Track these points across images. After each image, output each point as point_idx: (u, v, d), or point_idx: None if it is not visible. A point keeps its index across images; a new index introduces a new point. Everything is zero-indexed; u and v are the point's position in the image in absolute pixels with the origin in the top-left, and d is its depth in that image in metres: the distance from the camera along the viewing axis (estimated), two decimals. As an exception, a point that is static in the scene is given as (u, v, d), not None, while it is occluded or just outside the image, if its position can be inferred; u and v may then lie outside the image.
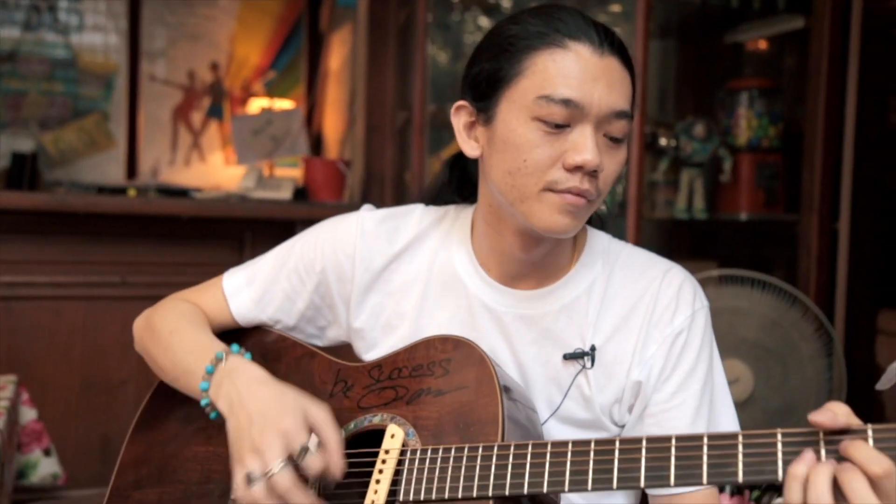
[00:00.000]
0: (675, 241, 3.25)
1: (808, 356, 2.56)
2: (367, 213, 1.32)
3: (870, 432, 0.84)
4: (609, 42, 1.11)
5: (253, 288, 1.33)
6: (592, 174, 1.09)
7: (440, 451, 1.05)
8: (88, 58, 3.99)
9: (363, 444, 1.13)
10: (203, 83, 4.13)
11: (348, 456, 1.12)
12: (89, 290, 2.78)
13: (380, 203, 1.33)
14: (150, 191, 2.95)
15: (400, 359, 1.18)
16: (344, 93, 3.79)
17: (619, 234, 2.83)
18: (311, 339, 1.35)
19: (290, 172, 3.83)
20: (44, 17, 3.94)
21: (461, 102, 1.20)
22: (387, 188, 3.14)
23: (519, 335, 1.21)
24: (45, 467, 2.39)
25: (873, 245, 3.00)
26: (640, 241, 2.76)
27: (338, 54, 3.94)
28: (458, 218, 1.30)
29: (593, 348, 1.19)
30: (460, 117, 1.20)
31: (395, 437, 1.09)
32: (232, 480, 1.07)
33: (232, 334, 1.34)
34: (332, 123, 3.93)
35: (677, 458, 0.90)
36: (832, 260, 2.95)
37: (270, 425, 1.06)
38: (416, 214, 1.32)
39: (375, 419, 1.14)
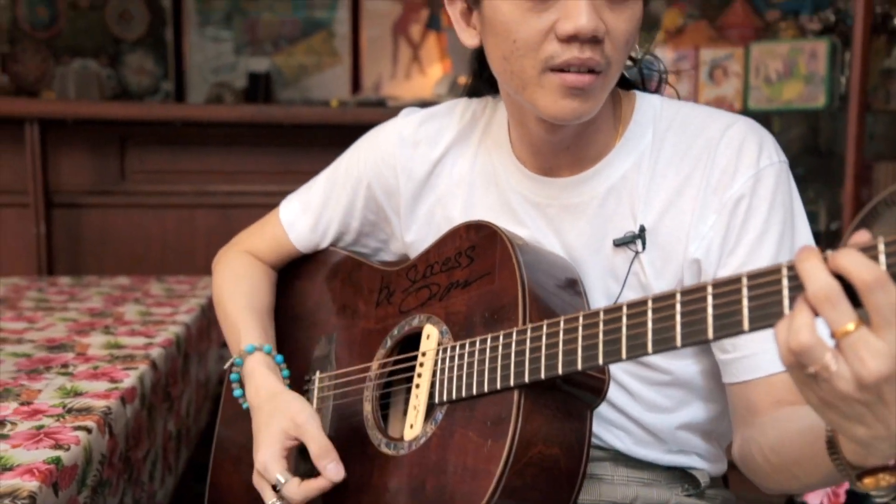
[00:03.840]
0: (913, 137, 2.87)
1: None
2: (406, 118, 1.25)
3: (881, 247, 0.67)
4: None
5: (308, 215, 1.31)
6: (594, 41, 0.95)
7: (466, 346, 0.99)
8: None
9: (408, 348, 1.10)
10: (421, -5, 4.17)
11: (393, 363, 1.10)
12: (296, 198, 2.93)
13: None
14: (350, 103, 3.04)
15: (432, 255, 1.13)
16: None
17: (839, 129, 2.56)
18: (377, 253, 1.33)
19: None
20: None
21: None
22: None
23: (566, 227, 1.11)
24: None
25: None
26: (865, 138, 2.46)
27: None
28: (496, 110, 1.20)
29: (642, 229, 1.06)
30: (455, 5, 1.09)
31: (430, 337, 1.05)
32: None
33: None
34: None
35: (682, 315, 0.78)
36: None
37: (256, 456, 1.11)
38: (458, 110, 1.23)
39: (414, 321, 1.10)
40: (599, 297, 1.09)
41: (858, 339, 0.67)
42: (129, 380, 1.43)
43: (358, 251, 1.33)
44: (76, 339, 1.69)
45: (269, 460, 1.08)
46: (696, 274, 1.06)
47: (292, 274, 1.36)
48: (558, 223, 1.12)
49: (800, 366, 0.70)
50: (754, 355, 1.02)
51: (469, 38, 1.09)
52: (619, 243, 1.08)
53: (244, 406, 1.21)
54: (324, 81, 4.17)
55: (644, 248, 1.07)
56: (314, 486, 1.05)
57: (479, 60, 1.20)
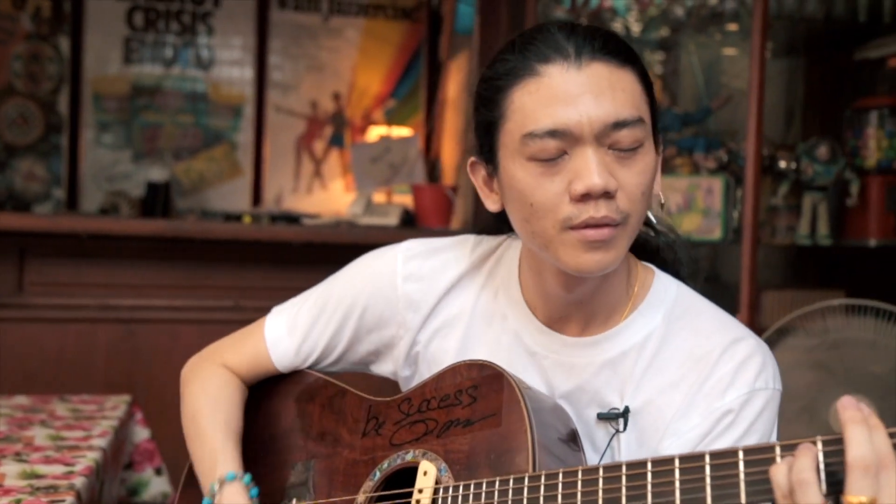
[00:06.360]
0: (797, 268, 3.08)
1: (940, 395, 2.36)
2: (407, 253, 1.25)
3: None
4: (590, 48, 1.01)
5: (294, 337, 1.29)
6: (607, 196, 0.99)
7: (472, 487, 1.00)
8: (219, 90, 4.17)
9: (399, 483, 1.09)
10: (326, 112, 4.25)
11: (383, 498, 1.09)
12: (204, 313, 2.87)
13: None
14: (263, 218, 3.04)
15: (428, 390, 1.13)
16: (461, 120, 3.81)
17: (734, 261, 2.72)
18: (357, 370, 1.32)
19: (407, 199, 3.87)
20: (181, 54, 4.15)
21: (473, 158, 1.13)
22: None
23: (558, 381, 1.14)
24: (156, 486, 2.46)
25: None
26: (757, 269, 2.63)
27: (455, 82, 3.97)
28: (508, 250, 1.23)
29: (627, 410, 1.08)
30: (477, 173, 1.13)
31: (427, 474, 1.05)
32: None
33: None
34: (450, 150, 3.96)
35: (712, 478, 0.83)
36: (975, 290, 2.72)
37: None
38: (467, 247, 1.25)
39: (408, 456, 1.10)
40: None
41: None
42: (58, 515, 1.35)
43: (335, 373, 1.31)
44: (-11, 469, 1.59)
45: None
46: None
47: (264, 393, 1.33)
48: (551, 376, 1.14)
49: None
50: None
51: (492, 204, 1.11)
52: (603, 417, 1.10)
53: None
54: (224, 193, 4.15)
55: (625, 428, 1.08)
56: None
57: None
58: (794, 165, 2.79)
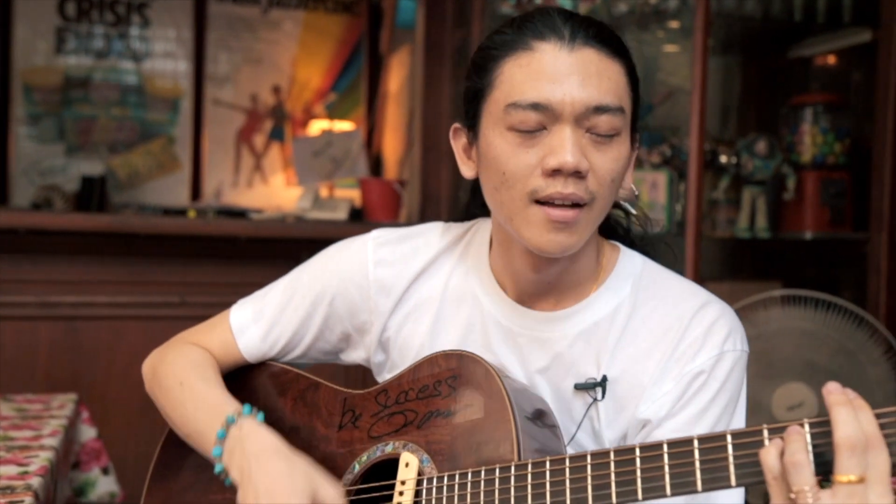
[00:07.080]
0: (737, 260, 3.17)
1: (875, 380, 2.46)
2: (378, 240, 1.27)
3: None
4: (584, 34, 1.05)
5: (261, 324, 1.29)
6: (578, 176, 1.03)
7: (456, 477, 1.01)
8: (155, 83, 4.09)
9: (378, 475, 1.09)
10: (265, 106, 4.19)
11: (364, 491, 1.09)
12: (149, 310, 2.82)
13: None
14: (209, 212, 2.99)
15: (405, 381, 1.14)
16: (403, 114, 3.81)
17: (678, 254, 2.79)
18: (325, 361, 1.33)
19: (349, 193, 3.85)
20: (115, 45, 4.05)
21: (456, 125, 1.17)
22: (443, 208, 3.13)
23: (533, 357, 1.16)
24: (103, 486, 2.41)
25: (948, 265, 2.87)
26: (700, 261, 2.70)
27: (397, 76, 3.96)
28: (477, 232, 1.26)
29: (605, 379, 1.12)
30: (458, 140, 1.17)
31: (409, 465, 1.05)
32: None
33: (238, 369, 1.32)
34: (392, 144, 3.95)
35: (701, 462, 0.86)
36: (903, 280, 2.83)
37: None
38: (436, 232, 1.28)
39: (388, 448, 1.10)
40: None
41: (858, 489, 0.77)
42: (21, 516, 1.32)
43: (301, 364, 1.31)
44: (-59, 471, 1.55)
45: None
46: (639, 431, 1.11)
47: (232, 388, 1.29)
48: (526, 353, 1.16)
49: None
50: None
51: (468, 171, 1.16)
52: (580, 388, 1.13)
53: (218, 468, 1.11)
54: (162, 187, 4.07)
55: (603, 396, 1.11)
56: None
57: (474, 187, 1.26)
58: (734, 160, 2.87)
